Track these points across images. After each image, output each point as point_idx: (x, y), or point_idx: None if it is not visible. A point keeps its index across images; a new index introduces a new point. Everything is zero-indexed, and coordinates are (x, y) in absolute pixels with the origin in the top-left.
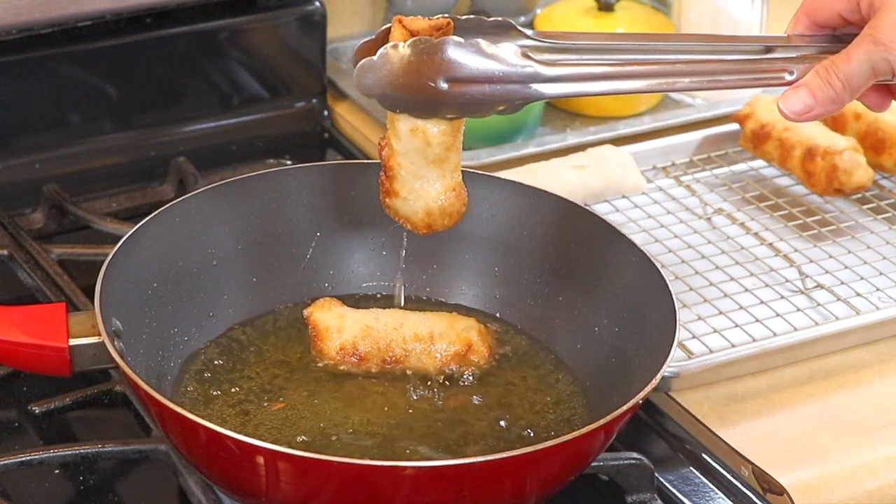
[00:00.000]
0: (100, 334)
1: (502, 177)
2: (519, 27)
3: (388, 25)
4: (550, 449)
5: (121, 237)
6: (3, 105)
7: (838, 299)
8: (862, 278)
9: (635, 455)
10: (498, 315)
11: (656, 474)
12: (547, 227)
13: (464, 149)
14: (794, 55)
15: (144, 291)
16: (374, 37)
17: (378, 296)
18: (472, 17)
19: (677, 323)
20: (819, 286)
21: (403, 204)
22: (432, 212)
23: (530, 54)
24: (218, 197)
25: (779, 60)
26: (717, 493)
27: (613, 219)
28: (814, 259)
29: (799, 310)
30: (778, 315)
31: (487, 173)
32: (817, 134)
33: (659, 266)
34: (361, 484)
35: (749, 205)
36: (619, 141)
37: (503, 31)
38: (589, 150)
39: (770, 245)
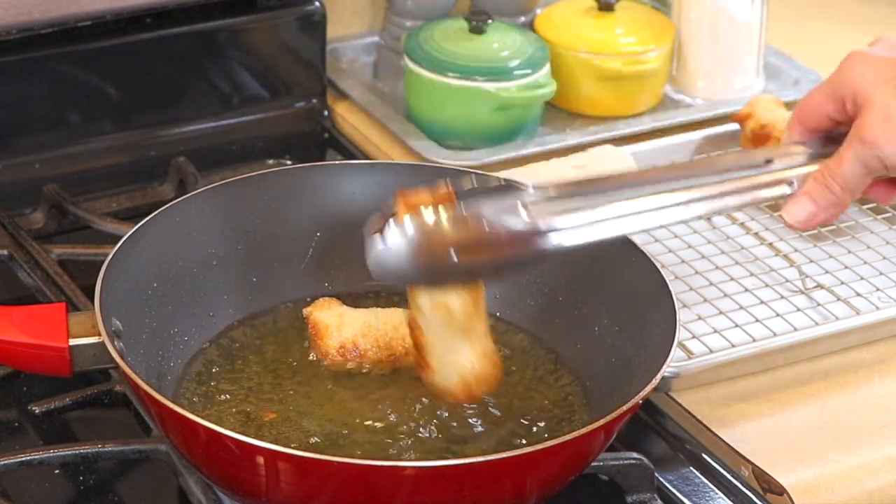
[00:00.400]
0: (100, 334)
1: (502, 177)
2: (520, 185)
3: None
4: (550, 449)
5: (121, 237)
6: (3, 105)
7: (838, 299)
8: (862, 278)
9: (635, 455)
10: (498, 315)
11: (656, 474)
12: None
13: (464, 149)
14: (793, 164)
15: (144, 291)
16: (380, 213)
17: (378, 296)
18: (474, 187)
19: (677, 323)
20: (819, 286)
21: (439, 377)
22: (467, 381)
23: (536, 212)
24: (218, 197)
25: (777, 172)
26: (717, 493)
27: None
28: (814, 259)
29: (799, 310)
30: (778, 315)
31: (487, 173)
32: None
33: (659, 266)
34: (361, 484)
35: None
36: (619, 141)
37: (508, 192)
38: (589, 150)
39: (770, 245)
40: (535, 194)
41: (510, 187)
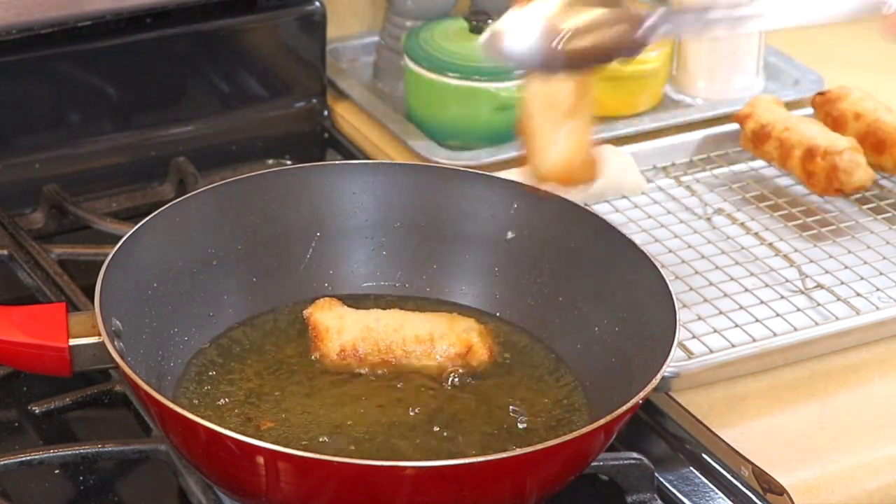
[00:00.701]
0: (100, 334)
1: (502, 177)
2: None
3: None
4: (550, 449)
5: (121, 237)
6: (3, 105)
7: (838, 299)
8: (862, 278)
9: (635, 455)
10: (498, 315)
11: (656, 474)
12: (547, 227)
13: (464, 149)
14: None
15: (144, 291)
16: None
17: (378, 296)
18: None
19: (677, 323)
20: (819, 286)
21: (539, 161)
22: (565, 165)
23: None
24: (218, 197)
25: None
26: (717, 493)
27: (613, 219)
28: (814, 259)
29: (799, 310)
30: (778, 315)
31: (487, 173)
32: (817, 134)
33: (659, 266)
34: (361, 484)
35: (749, 205)
36: (619, 141)
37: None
38: None
39: (770, 245)
40: None
41: None
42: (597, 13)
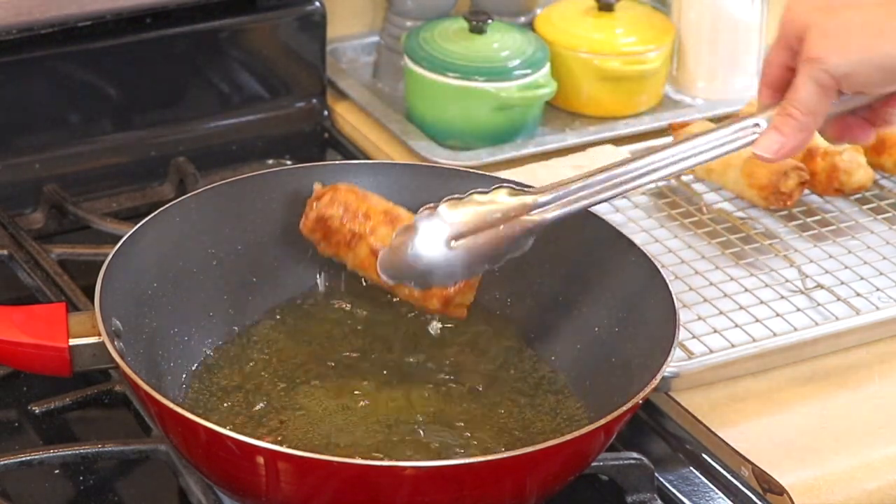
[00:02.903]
0: (100, 334)
1: (502, 177)
2: (508, 184)
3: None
4: (550, 449)
5: (121, 237)
6: (3, 105)
7: (838, 299)
8: (862, 278)
9: (635, 455)
10: (498, 314)
11: (656, 474)
12: (547, 227)
13: (464, 149)
14: (756, 119)
15: (144, 291)
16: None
17: (378, 296)
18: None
19: (677, 323)
20: (819, 286)
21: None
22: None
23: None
24: (218, 197)
25: (747, 117)
26: (717, 493)
27: (613, 219)
28: (814, 259)
29: (799, 310)
30: (778, 315)
31: (487, 173)
32: (817, 134)
33: (659, 266)
34: (361, 484)
35: (749, 205)
36: (619, 141)
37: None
38: (589, 150)
39: (770, 245)
40: (523, 188)
41: (499, 187)
42: (483, 208)
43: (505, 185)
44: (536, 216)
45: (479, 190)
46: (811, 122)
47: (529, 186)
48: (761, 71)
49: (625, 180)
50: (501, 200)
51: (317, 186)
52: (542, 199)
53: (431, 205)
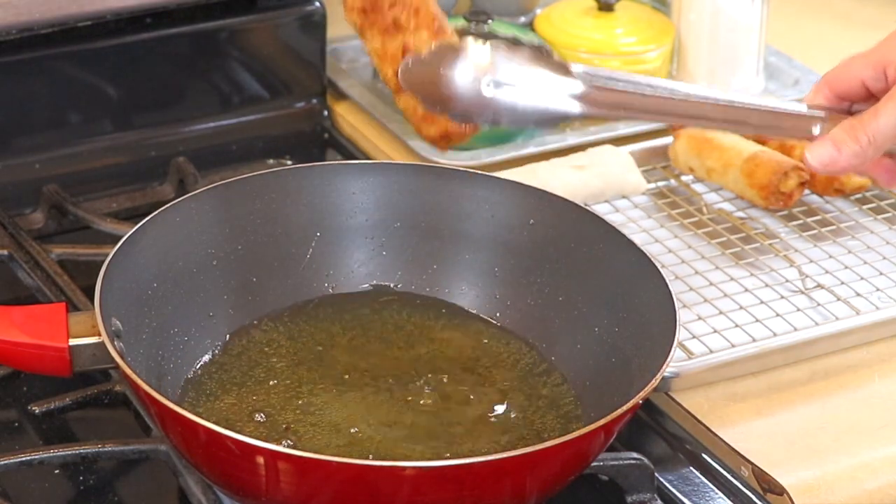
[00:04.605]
0: (100, 334)
1: (502, 177)
2: (559, 56)
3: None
4: (550, 449)
5: (121, 237)
6: (3, 105)
7: (838, 299)
8: (862, 278)
9: (635, 455)
10: (497, 314)
11: (656, 474)
12: (547, 227)
13: (464, 149)
14: (820, 115)
15: (144, 291)
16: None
17: (379, 297)
18: (519, 40)
19: (677, 323)
20: (819, 286)
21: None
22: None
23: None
24: (218, 197)
25: (809, 114)
26: (717, 493)
27: (613, 219)
28: (814, 259)
29: (799, 310)
30: (778, 315)
31: (487, 173)
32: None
33: (659, 266)
34: (361, 484)
35: (749, 205)
36: (619, 141)
37: (547, 54)
38: (589, 150)
39: (770, 245)
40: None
41: (549, 52)
42: (535, 71)
43: (555, 58)
44: (576, 108)
45: (534, 44)
46: (871, 153)
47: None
48: (829, 71)
49: (664, 110)
50: (553, 73)
51: None
52: (587, 91)
53: (474, 32)
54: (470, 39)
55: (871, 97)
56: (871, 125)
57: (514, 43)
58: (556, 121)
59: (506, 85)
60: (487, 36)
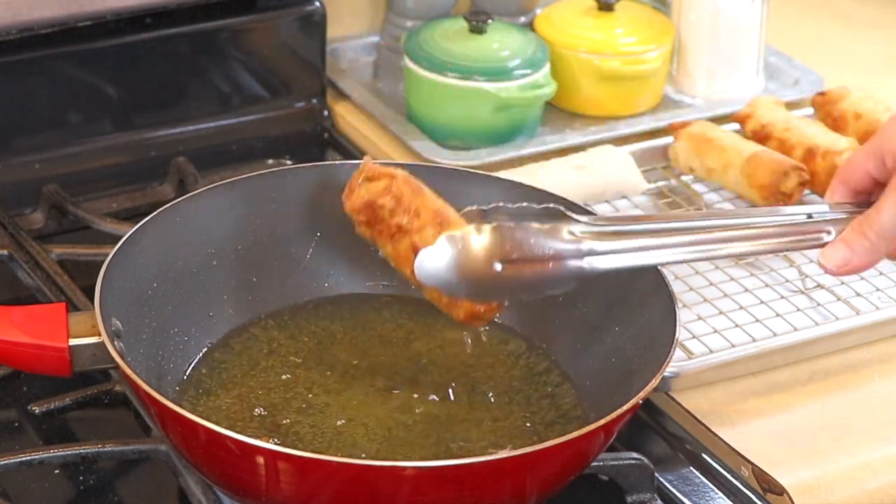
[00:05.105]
0: (100, 334)
1: (502, 177)
2: (567, 212)
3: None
4: (550, 449)
5: (121, 237)
6: (3, 105)
7: (838, 299)
8: (862, 278)
9: (635, 455)
10: (497, 315)
11: (656, 474)
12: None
13: (464, 149)
14: (834, 218)
15: (144, 291)
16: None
17: (379, 297)
18: (520, 205)
19: (677, 323)
20: (819, 286)
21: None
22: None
23: (580, 234)
24: (218, 197)
25: (819, 223)
26: (717, 493)
27: None
28: (814, 259)
29: (799, 310)
30: (778, 315)
31: (487, 173)
32: (817, 134)
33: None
34: (361, 484)
35: (749, 205)
36: (619, 141)
37: (552, 216)
38: (589, 150)
39: None
40: (580, 224)
41: (557, 213)
42: (537, 240)
43: (562, 206)
44: (587, 265)
45: (535, 208)
46: (882, 247)
47: (584, 209)
48: (840, 167)
49: (676, 245)
50: (556, 237)
51: (368, 161)
52: (598, 246)
53: (480, 208)
54: (472, 228)
55: (878, 186)
56: (875, 221)
57: (520, 212)
58: (571, 282)
59: (515, 262)
60: (494, 211)
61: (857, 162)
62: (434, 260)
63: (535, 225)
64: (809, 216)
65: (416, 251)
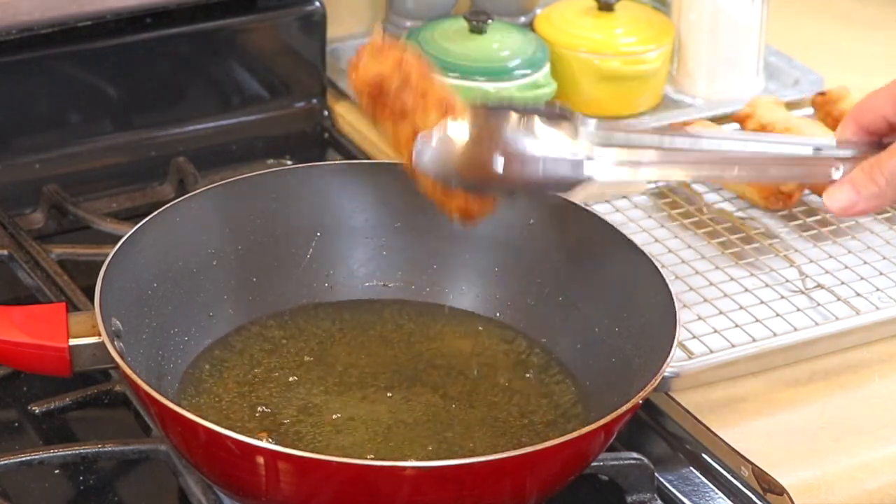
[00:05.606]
0: (100, 334)
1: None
2: (575, 114)
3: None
4: (550, 449)
5: (121, 237)
6: (3, 105)
7: (838, 299)
8: (862, 278)
9: (635, 455)
10: (497, 315)
11: (656, 474)
12: (547, 226)
13: None
14: (843, 155)
15: (144, 291)
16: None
17: (379, 297)
18: (529, 104)
19: (677, 323)
20: (819, 286)
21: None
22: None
23: (585, 138)
24: (218, 197)
25: (827, 158)
26: (717, 493)
27: (613, 219)
28: (814, 259)
29: (799, 310)
30: (778, 315)
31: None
32: (817, 134)
33: (659, 266)
34: (361, 484)
35: (749, 205)
36: None
37: (560, 117)
38: None
39: (770, 245)
40: (584, 122)
41: (563, 114)
42: (543, 142)
43: (566, 112)
44: (587, 170)
45: (544, 108)
46: (891, 195)
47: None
48: (855, 105)
49: (679, 161)
50: (560, 137)
51: (378, 31)
52: (600, 153)
53: (487, 102)
54: (476, 117)
55: (894, 131)
56: (887, 165)
57: (527, 109)
58: (570, 187)
59: (517, 157)
60: (501, 104)
61: (875, 103)
62: (433, 148)
63: (541, 122)
64: (818, 149)
65: (416, 134)
